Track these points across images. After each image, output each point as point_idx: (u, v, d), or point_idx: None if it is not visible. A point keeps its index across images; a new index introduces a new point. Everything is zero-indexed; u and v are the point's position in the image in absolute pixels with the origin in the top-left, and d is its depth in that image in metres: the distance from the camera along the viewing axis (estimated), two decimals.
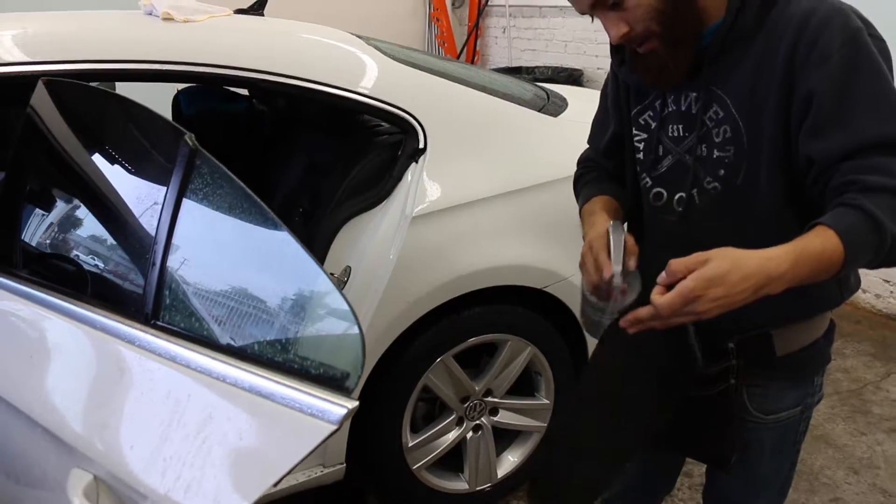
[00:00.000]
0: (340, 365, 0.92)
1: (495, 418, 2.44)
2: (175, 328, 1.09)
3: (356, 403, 0.88)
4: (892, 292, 3.80)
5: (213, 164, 1.10)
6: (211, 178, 1.09)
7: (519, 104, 2.48)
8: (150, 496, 0.98)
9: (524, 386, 2.48)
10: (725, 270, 0.99)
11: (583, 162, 1.58)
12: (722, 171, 1.26)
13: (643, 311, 1.07)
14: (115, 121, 1.37)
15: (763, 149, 1.21)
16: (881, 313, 3.82)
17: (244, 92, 3.04)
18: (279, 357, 0.97)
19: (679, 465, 1.72)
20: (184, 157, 1.11)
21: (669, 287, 1.03)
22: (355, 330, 0.92)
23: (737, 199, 1.26)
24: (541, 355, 2.41)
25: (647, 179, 1.37)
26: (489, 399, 2.40)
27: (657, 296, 1.02)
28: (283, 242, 1.02)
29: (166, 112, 2.96)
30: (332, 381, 0.92)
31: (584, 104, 2.66)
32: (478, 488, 2.45)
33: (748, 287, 1.00)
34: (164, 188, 1.14)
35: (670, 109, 1.31)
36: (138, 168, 1.28)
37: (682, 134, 1.30)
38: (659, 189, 1.36)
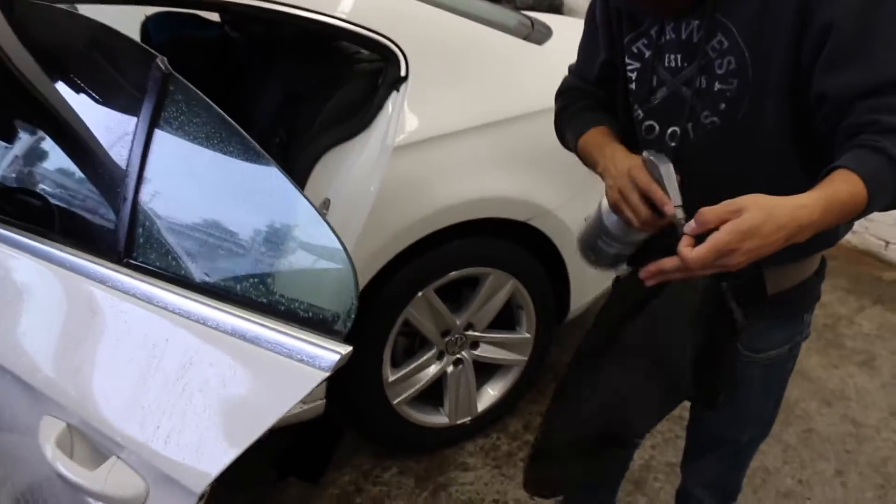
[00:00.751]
0: (330, 306, 0.87)
1: (476, 352, 2.42)
2: (150, 267, 1.01)
3: (349, 349, 0.82)
4: (867, 228, 3.81)
5: (188, 90, 1.01)
6: (186, 106, 1.01)
7: (503, 32, 2.39)
8: (128, 446, 0.93)
9: (505, 320, 2.46)
10: (761, 221, 0.93)
11: (566, 92, 1.49)
12: (722, 105, 1.19)
13: (668, 263, 1.00)
14: (80, 43, 1.26)
15: (769, 83, 1.14)
16: (856, 249, 3.84)
17: (216, 18, 2.90)
18: (263, 298, 0.91)
19: None
20: (156, 83, 1.03)
21: (698, 238, 0.97)
22: (346, 267, 0.86)
23: (736, 135, 1.20)
24: (523, 289, 2.39)
25: (640, 112, 1.30)
26: (470, 333, 2.38)
27: (686, 248, 0.96)
28: (265, 174, 0.95)
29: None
30: (321, 324, 0.86)
31: (568, 32, 2.57)
32: (458, 422, 2.45)
33: (781, 237, 0.95)
34: (136, 116, 1.05)
35: (668, 38, 1.24)
36: (106, 95, 1.18)
37: (680, 64, 1.23)
38: (651, 122, 1.29)
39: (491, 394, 2.53)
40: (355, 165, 2.03)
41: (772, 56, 1.13)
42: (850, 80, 1.05)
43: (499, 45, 2.35)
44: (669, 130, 1.26)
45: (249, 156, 0.97)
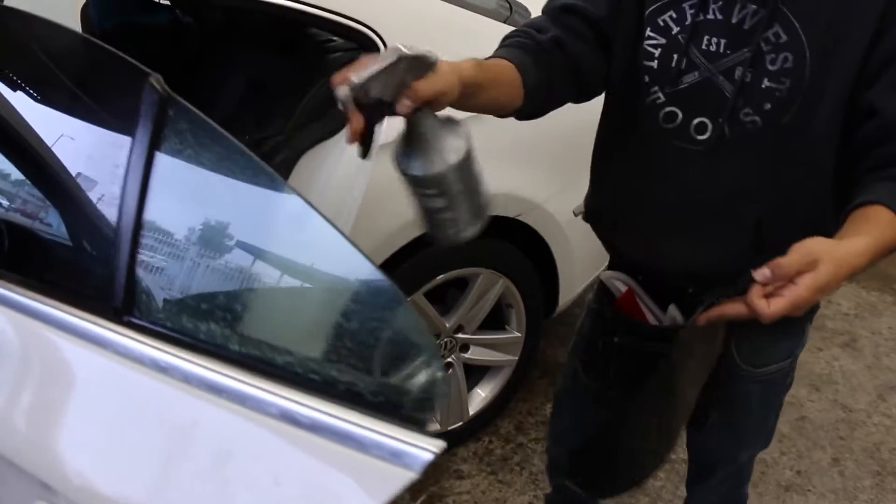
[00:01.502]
0: (403, 385, 0.72)
1: (466, 355, 2.31)
2: (159, 328, 0.86)
3: (442, 444, 0.68)
4: None
5: (192, 116, 0.85)
6: (192, 135, 0.85)
7: (483, 15, 2.25)
8: None
9: (494, 320, 2.35)
10: (833, 275, 0.89)
11: (518, 27, 1.24)
12: (768, 106, 1.08)
13: (732, 310, 0.96)
14: (46, 55, 1.08)
15: (827, 89, 1.05)
16: None
17: (166, 1, 2.67)
18: (315, 374, 0.76)
19: None
20: (151, 107, 0.86)
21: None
22: (419, 331, 0.72)
23: (777, 138, 1.10)
24: (513, 287, 2.28)
25: (660, 95, 1.16)
26: (460, 336, 2.26)
27: (761, 301, 0.89)
28: (299, 217, 0.80)
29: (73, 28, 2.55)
30: (394, 410, 0.71)
31: None
32: (449, 428, 2.34)
33: (840, 284, 0.92)
34: (127, 147, 0.88)
35: (711, 17, 1.10)
36: (87, 119, 1.01)
37: (722, 50, 1.10)
38: (673, 108, 1.16)
39: (482, 396, 2.43)
40: (338, 167, 1.87)
41: (837, 62, 1.04)
42: None
43: (481, 31, 2.21)
44: (696, 121, 1.14)
45: (277, 194, 0.83)
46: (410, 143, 0.93)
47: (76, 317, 0.90)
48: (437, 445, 0.67)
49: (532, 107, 1.14)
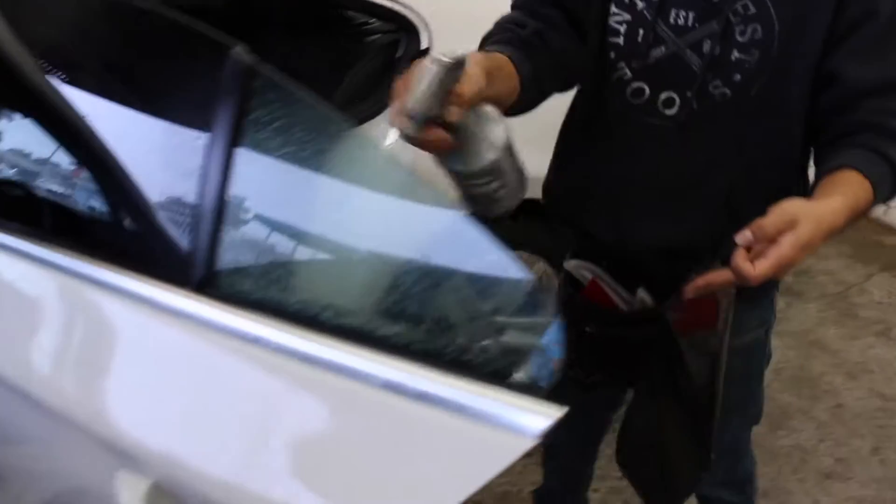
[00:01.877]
0: (521, 353, 0.71)
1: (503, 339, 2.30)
2: (246, 298, 0.83)
3: (563, 410, 0.66)
4: None
5: (282, 87, 0.83)
6: (282, 109, 0.83)
7: None
8: None
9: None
10: (814, 233, 0.91)
11: (498, 23, 1.24)
12: (738, 77, 1.11)
13: (718, 278, 0.97)
14: (109, 28, 1.07)
15: (796, 58, 1.08)
16: None
17: None
18: (422, 344, 0.72)
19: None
20: (235, 79, 0.85)
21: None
22: (538, 301, 0.71)
23: (747, 108, 1.13)
24: (550, 270, 2.26)
25: (627, 71, 1.18)
26: (497, 319, 2.25)
27: (746, 263, 0.90)
28: (401, 185, 0.79)
29: None
30: (508, 378, 0.70)
31: None
32: None
33: (820, 243, 0.94)
34: (204, 122, 0.86)
35: None
36: (163, 89, 1.00)
37: (690, 24, 1.11)
38: (640, 84, 1.18)
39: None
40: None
41: (805, 31, 1.06)
42: (868, 72, 1.04)
43: None
44: (664, 96, 1.16)
45: (377, 166, 0.81)
46: (456, 142, 0.93)
47: (161, 288, 0.88)
48: (556, 411, 0.65)
49: (524, 101, 1.13)
